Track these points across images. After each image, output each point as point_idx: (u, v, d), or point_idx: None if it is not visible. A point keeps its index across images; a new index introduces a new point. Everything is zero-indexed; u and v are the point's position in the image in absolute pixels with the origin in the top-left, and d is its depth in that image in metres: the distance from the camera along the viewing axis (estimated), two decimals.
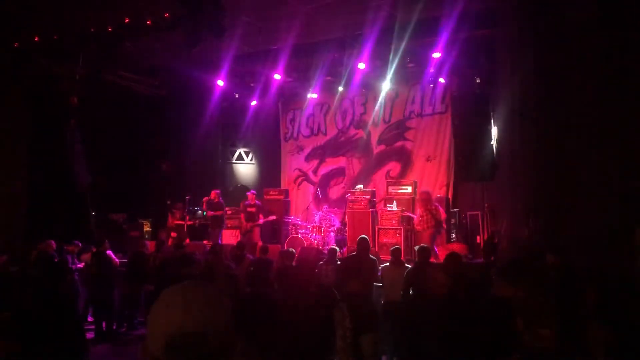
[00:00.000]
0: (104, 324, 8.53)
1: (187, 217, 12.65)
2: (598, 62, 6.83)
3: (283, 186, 14.31)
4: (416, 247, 7.32)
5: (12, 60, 10.68)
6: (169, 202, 12.90)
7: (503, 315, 3.48)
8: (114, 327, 8.68)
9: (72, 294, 5.81)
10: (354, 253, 7.49)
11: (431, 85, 12.45)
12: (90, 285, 8.46)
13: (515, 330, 2.71)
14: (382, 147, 13.47)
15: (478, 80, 10.80)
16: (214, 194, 12.21)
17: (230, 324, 1.33)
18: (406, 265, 7.37)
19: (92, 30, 9.83)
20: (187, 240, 11.89)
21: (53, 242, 8.83)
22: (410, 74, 12.30)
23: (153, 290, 7.53)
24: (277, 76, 12.25)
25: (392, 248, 7.55)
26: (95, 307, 8.62)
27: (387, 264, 7.29)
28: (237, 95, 13.92)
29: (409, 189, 11.60)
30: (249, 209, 12.20)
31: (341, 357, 3.60)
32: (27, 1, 9.14)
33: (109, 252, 8.87)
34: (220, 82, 12.57)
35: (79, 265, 9.01)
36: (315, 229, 11.94)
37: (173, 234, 12.16)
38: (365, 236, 7.48)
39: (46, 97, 11.86)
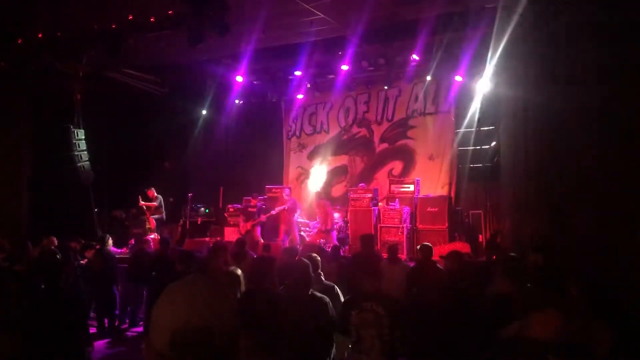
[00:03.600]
0: (106, 321, 8.57)
1: (153, 202, 12.61)
2: (605, 61, 6.81)
3: (285, 184, 14.31)
4: (418, 246, 7.32)
5: (16, 57, 10.70)
6: (171, 199, 12.92)
7: (502, 311, 3.49)
8: (116, 323, 8.72)
9: (74, 291, 5.83)
10: (359, 251, 7.48)
11: (434, 84, 12.43)
12: (93, 282, 8.48)
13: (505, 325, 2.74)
14: (385, 145, 13.46)
15: (481, 79, 10.80)
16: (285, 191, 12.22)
17: (235, 319, 1.33)
18: (403, 263, 7.36)
19: (96, 27, 9.84)
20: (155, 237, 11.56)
21: (55, 238, 8.86)
22: (414, 72, 12.29)
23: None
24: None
25: (389, 245, 7.53)
26: (98, 303, 8.65)
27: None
28: (240, 102, 14.02)
29: (412, 188, 11.62)
30: (249, 209, 12.18)
31: (375, 356, 3.59)
32: None
33: (112, 249, 8.89)
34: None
35: (81, 262, 9.03)
36: (317, 227, 11.93)
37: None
38: (370, 233, 7.49)
39: (50, 93, 11.88)
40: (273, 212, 11.97)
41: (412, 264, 7.53)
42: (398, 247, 8.14)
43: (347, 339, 3.71)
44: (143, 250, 8.84)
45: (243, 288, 4.52)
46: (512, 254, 5.22)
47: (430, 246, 7.16)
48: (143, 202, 12.44)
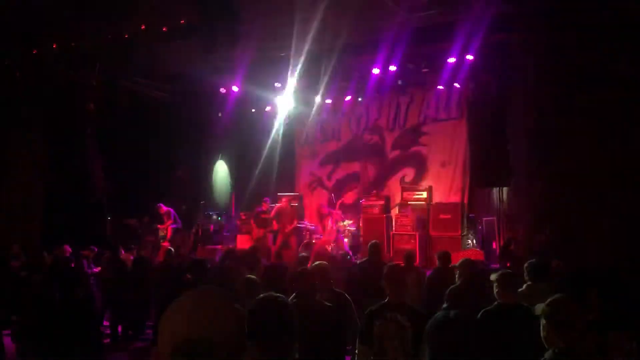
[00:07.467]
0: (119, 328, 8.58)
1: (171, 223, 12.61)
2: (618, 68, 6.75)
3: (297, 191, 14.29)
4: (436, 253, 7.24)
5: (30, 67, 10.84)
6: (184, 207, 12.94)
7: (526, 321, 3.44)
8: (130, 332, 8.73)
9: (87, 298, 5.85)
10: (366, 259, 7.41)
11: (446, 90, 12.38)
12: (106, 290, 8.52)
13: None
14: (397, 152, 13.39)
15: (494, 85, 10.74)
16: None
17: (241, 330, 1.32)
18: (418, 270, 7.30)
19: (109, 37, 9.95)
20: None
21: (68, 247, 8.91)
22: (426, 79, 12.23)
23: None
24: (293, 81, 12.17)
25: (406, 252, 7.47)
26: (111, 311, 8.68)
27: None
28: (253, 110, 14.04)
29: (424, 195, 11.55)
30: (262, 216, 12.16)
31: None
32: (45, 9, 9.28)
33: (123, 256, 8.92)
34: (235, 88, 12.59)
35: (94, 270, 9.07)
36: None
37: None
38: (377, 241, 7.43)
39: (63, 103, 12.00)
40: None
41: (428, 272, 7.46)
42: (413, 254, 8.06)
43: (370, 349, 3.64)
44: (143, 258, 8.80)
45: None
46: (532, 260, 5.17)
47: (449, 253, 7.08)
48: (161, 226, 12.54)
